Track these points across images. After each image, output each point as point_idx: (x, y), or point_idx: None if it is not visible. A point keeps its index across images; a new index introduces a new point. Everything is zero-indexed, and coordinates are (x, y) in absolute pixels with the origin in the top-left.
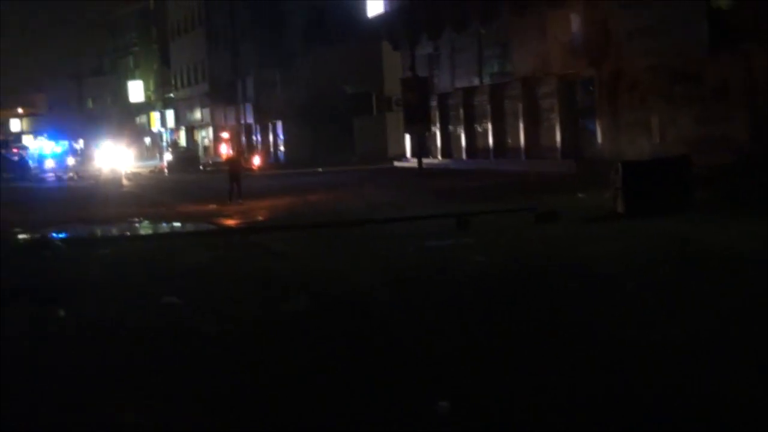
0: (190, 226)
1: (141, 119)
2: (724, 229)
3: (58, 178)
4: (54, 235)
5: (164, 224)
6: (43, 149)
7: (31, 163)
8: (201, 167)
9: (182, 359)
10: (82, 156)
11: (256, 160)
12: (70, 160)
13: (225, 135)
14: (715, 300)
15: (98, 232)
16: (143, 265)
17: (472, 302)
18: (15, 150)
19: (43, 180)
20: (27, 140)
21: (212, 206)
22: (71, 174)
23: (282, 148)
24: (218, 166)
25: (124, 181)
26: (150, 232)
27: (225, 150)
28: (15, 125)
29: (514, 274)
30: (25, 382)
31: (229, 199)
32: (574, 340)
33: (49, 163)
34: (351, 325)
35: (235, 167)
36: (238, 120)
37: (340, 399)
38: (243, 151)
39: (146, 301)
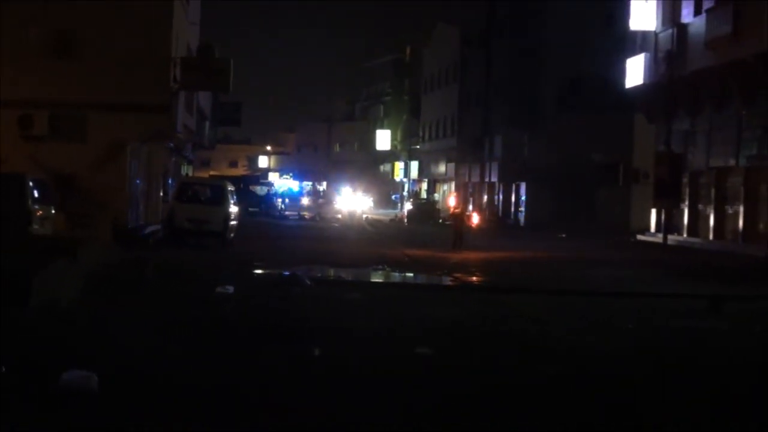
0: (435, 279)
1: (385, 167)
2: None
3: (301, 217)
4: (302, 272)
5: (408, 273)
6: (282, 187)
7: (275, 199)
8: (440, 220)
9: (439, 414)
10: (324, 198)
11: (475, 218)
12: (305, 200)
13: (454, 192)
14: None
15: (345, 273)
16: (391, 312)
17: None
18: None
19: (286, 217)
20: (272, 177)
21: (448, 256)
22: (311, 214)
23: (522, 209)
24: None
25: (367, 227)
26: (395, 279)
27: (453, 203)
28: (263, 162)
29: None
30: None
31: (453, 247)
32: None
33: (287, 201)
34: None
35: (458, 221)
36: (482, 177)
37: None
38: (466, 208)
39: (399, 349)
